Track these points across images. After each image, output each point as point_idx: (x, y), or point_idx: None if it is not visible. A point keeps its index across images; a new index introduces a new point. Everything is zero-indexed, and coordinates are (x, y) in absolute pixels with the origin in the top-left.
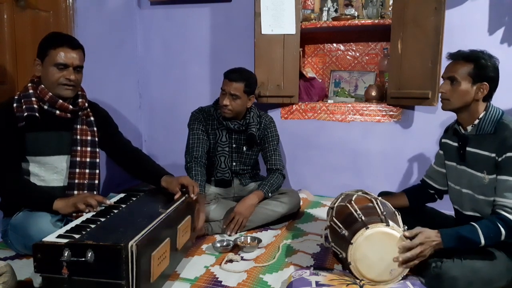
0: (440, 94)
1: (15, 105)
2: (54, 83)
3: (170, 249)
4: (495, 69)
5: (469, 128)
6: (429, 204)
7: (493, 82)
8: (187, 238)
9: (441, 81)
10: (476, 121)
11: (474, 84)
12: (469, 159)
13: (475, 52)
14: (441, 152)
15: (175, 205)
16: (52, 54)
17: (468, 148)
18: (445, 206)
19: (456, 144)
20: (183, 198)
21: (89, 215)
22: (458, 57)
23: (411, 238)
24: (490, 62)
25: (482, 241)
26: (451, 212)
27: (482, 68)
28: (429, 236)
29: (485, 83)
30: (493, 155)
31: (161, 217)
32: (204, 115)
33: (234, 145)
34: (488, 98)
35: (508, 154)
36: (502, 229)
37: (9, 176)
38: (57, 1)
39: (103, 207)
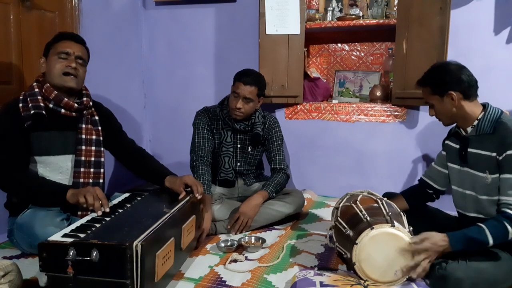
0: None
1: (20, 105)
2: (57, 74)
3: (175, 248)
4: (448, 72)
5: (469, 129)
6: (434, 205)
7: (457, 85)
8: (192, 238)
9: None
10: (475, 122)
11: (442, 97)
12: (470, 160)
13: (426, 73)
14: (443, 153)
15: (179, 205)
16: (55, 46)
17: (469, 149)
18: (448, 206)
19: (457, 146)
20: (188, 198)
21: (94, 215)
22: (420, 85)
23: (418, 242)
24: (438, 71)
25: (491, 241)
26: (455, 213)
27: (436, 85)
28: (436, 242)
29: (450, 91)
30: (494, 154)
31: (165, 216)
32: (210, 114)
33: (239, 145)
34: (469, 96)
35: (509, 152)
36: (509, 227)
37: (18, 174)
38: (62, 1)
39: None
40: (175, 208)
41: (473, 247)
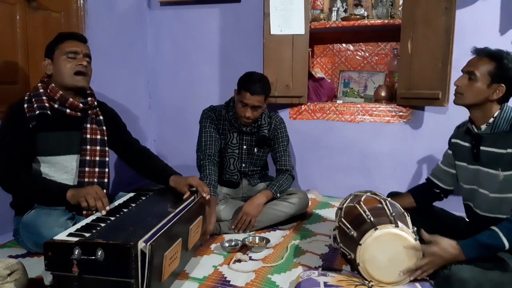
0: (455, 88)
1: (25, 105)
2: (68, 74)
3: (181, 249)
4: None
5: (483, 127)
6: (439, 205)
7: (511, 84)
8: (197, 238)
9: (452, 81)
10: (491, 120)
11: (491, 84)
12: (483, 158)
13: (501, 52)
14: (449, 151)
15: (184, 204)
16: (61, 47)
17: (482, 147)
18: (454, 207)
19: (468, 144)
20: (192, 197)
21: (99, 214)
22: (483, 54)
23: (427, 242)
24: None
25: (506, 245)
26: (461, 213)
27: (504, 69)
28: (445, 248)
29: (502, 84)
30: (509, 150)
31: (172, 216)
32: (216, 114)
33: (245, 147)
34: (504, 100)
35: None
36: None
37: (22, 174)
38: (68, 2)
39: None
40: (182, 209)
41: (489, 253)
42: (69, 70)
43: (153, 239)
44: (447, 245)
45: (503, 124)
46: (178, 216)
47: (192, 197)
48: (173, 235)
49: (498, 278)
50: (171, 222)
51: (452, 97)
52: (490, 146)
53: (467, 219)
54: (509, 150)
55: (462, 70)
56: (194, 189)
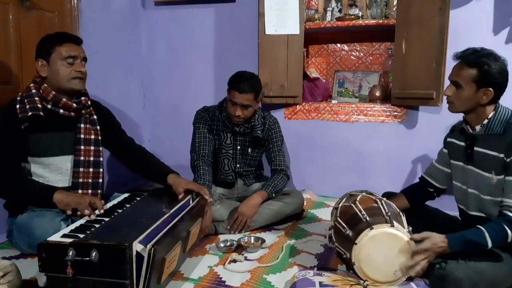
0: (445, 97)
1: (18, 106)
2: (66, 78)
3: (180, 251)
4: (501, 73)
5: (478, 128)
6: (434, 205)
7: (498, 86)
8: (195, 240)
9: (446, 81)
10: (485, 121)
11: (478, 89)
12: (476, 159)
13: (480, 56)
14: (445, 150)
15: (179, 205)
16: (59, 50)
17: (476, 148)
18: (449, 207)
19: (463, 143)
20: (188, 198)
21: (93, 216)
22: (463, 61)
23: (418, 241)
24: (495, 66)
25: (489, 244)
26: (455, 213)
27: (486, 74)
28: (436, 243)
29: (490, 88)
30: (502, 155)
31: (174, 218)
32: (210, 114)
33: (239, 147)
34: (495, 100)
35: None
36: (509, 231)
37: (11, 175)
38: (62, 2)
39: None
40: (180, 210)
41: (472, 249)
42: (68, 75)
43: (154, 241)
44: (438, 240)
45: (497, 125)
46: (181, 219)
47: (188, 197)
48: (174, 238)
49: (492, 277)
50: (173, 224)
51: None
52: (483, 147)
53: (460, 219)
54: (501, 155)
55: (448, 79)
56: (193, 193)
